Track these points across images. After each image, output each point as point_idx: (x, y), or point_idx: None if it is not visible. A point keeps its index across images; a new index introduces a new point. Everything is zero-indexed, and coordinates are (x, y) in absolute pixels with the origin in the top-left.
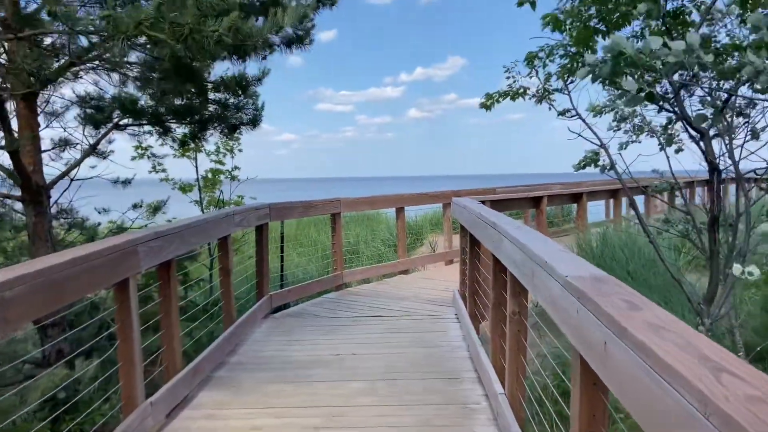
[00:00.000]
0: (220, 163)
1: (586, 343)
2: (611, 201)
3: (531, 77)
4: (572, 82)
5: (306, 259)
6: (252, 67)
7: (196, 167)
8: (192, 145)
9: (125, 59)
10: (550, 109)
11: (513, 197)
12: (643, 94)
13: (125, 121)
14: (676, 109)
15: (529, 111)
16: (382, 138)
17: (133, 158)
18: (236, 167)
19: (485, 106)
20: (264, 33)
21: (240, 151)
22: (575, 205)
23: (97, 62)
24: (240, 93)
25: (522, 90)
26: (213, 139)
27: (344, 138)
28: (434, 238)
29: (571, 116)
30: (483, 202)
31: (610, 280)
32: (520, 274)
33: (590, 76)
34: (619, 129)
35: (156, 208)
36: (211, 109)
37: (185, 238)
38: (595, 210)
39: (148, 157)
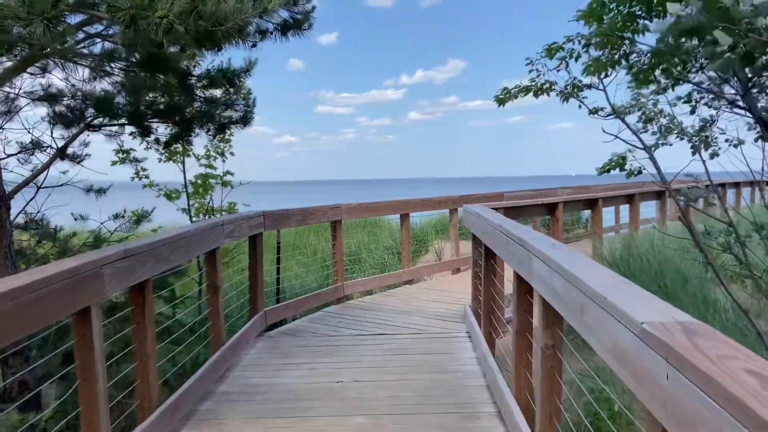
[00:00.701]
0: (211, 167)
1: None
2: (624, 206)
3: (558, 70)
4: (606, 76)
5: (305, 269)
6: (238, 58)
7: (184, 172)
8: (178, 148)
9: (81, 50)
10: (580, 107)
11: (527, 204)
12: (733, 56)
13: (100, 120)
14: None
15: (528, 114)
16: (383, 140)
17: (114, 163)
18: (228, 172)
19: (500, 101)
20: (241, 16)
21: (232, 154)
22: (586, 210)
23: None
24: (228, 87)
25: (548, 85)
26: (200, 140)
27: (345, 140)
28: (440, 245)
29: (606, 115)
30: (496, 209)
31: (706, 332)
32: (562, 305)
33: (628, 70)
34: (645, 131)
35: (140, 218)
36: (197, 106)
37: (162, 255)
38: (605, 216)
39: (131, 162)
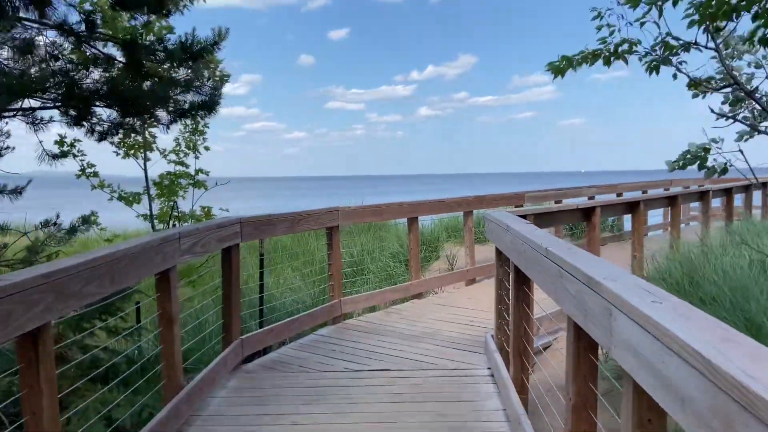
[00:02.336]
0: (182, 164)
1: None
2: (660, 210)
3: (643, 23)
4: (718, 30)
5: (301, 280)
6: (204, 28)
7: (145, 170)
8: (138, 139)
9: None
10: (675, 77)
11: (560, 209)
12: None
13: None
14: None
15: (539, 109)
16: (393, 136)
17: (55, 156)
18: (200, 170)
19: (557, 72)
20: None
21: (206, 149)
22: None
23: None
24: (191, 64)
25: (626, 46)
26: (172, 133)
27: (354, 136)
28: (452, 250)
29: (719, 87)
30: (524, 216)
31: None
32: (672, 399)
33: None
34: (733, 118)
35: (78, 225)
36: (147, 86)
37: (70, 289)
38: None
39: (74, 156)
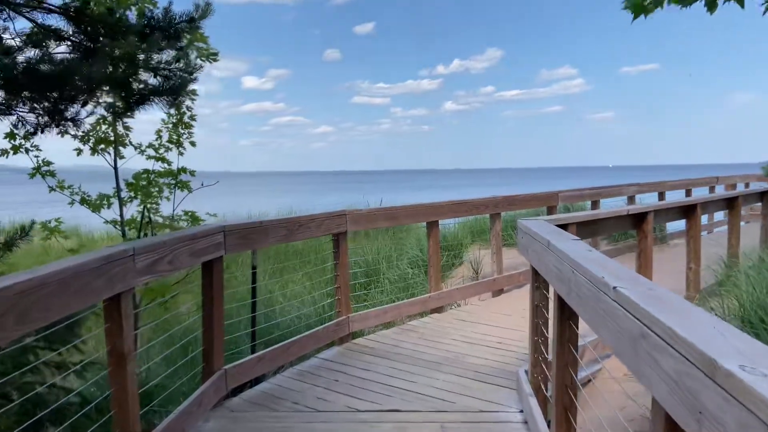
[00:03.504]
0: (163, 160)
1: None
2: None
3: None
4: None
5: (310, 288)
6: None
7: (115, 168)
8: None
9: None
10: None
11: (607, 217)
12: None
13: None
14: None
15: (567, 103)
16: (418, 131)
17: (3, 152)
18: (183, 169)
19: (638, 10)
20: None
21: (192, 144)
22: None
23: None
24: (161, 42)
25: None
26: (151, 125)
27: (380, 130)
28: (477, 253)
29: None
30: (564, 226)
31: None
32: None
33: None
34: None
35: (16, 237)
36: (94, 68)
37: None
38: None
39: (27, 151)
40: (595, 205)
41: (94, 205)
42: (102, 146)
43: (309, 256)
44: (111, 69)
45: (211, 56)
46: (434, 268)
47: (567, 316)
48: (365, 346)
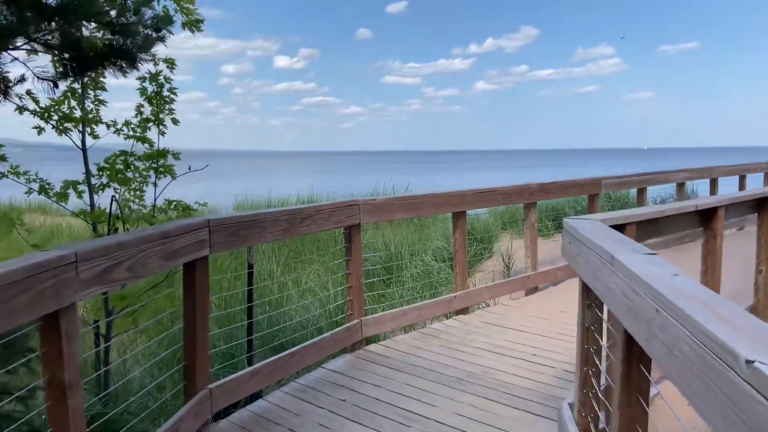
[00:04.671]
0: (144, 140)
1: None
2: None
3: None
4: None
5: (323, 282)
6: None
7: (83, 149)
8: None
9: None
10: None
11: (670, 214)
12: None
13: None
14: None
15: (602, 83)
16: (449, 111)
17: None
18: (164, 151)
19: None
20: None
21: (175, 122)
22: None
23: None
24: None
25: None
26: (126, 102)
27: (410, 111)
28: (508, 243)
29: None
30: (620, 227)
31: None
32: None
33: None
34: None
35: None
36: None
37: None
38: None
39: None
40: (641, 193)
41: (59, 194)
42: (72, 124)
43: (329, 246)
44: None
45: (194, 25)
46: (460, 264)
47: (637, 358)
48: (379, 354)
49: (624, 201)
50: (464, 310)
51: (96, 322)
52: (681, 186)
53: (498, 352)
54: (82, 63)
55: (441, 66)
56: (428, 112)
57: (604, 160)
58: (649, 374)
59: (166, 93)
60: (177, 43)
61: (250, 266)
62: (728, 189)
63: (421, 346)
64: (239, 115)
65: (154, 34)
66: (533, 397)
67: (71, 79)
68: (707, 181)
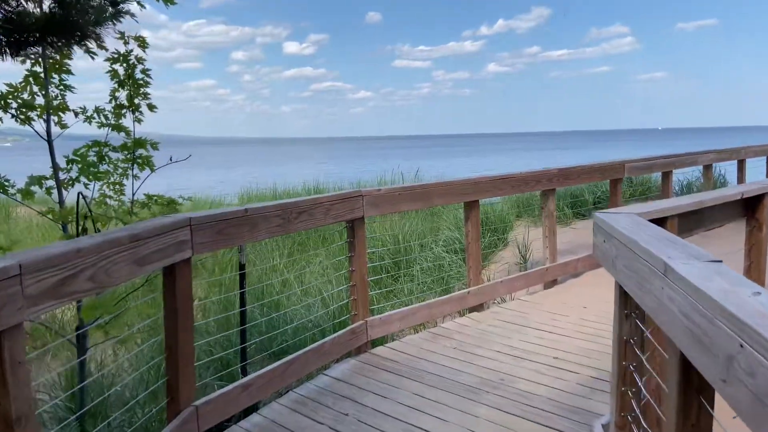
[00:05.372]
0: (119, 128)
1: None
2: None
3: None
4: None
5: (327, 279)
6: None
7: (49, 140)
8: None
9: None
10: None
11: (714, 204)
12: None
13: None
14: None
15: (615, 63)
16: (459, 94)
17: None
18: (140, 141)
19: None
20: None
21: (152, 109)
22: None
23: None
24: None
25: None
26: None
27: (420, 95)
28: (522, 232)
29: None
30: (660, 221)
31: None
32: None
33: None
34: None
35: None
36: None
37: None
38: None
39: None
40: (666, 178)
41: (23, 191)
42: (36, 113)
43: (335, 239)
44: None
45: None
46: (473, 257)
47: (697, 387)
48: (386, 358)
49: (646, 186)
50: (478, 307)
51: (78, 330)
52: (708, 168)
53: (516, 356)
54: (17, 38)
55: (451, 49)
56: (439, 95)
57: (618, 142)
58: (712, 408)
59: (139, 75)
60: (188, 31)
61: (242, 266)
62: (756, 172)
63: (431, 348)
64: (249, 102)
65: (110, 7)
66: (557, 410)
67: (5, 56)
68: (733, 163)
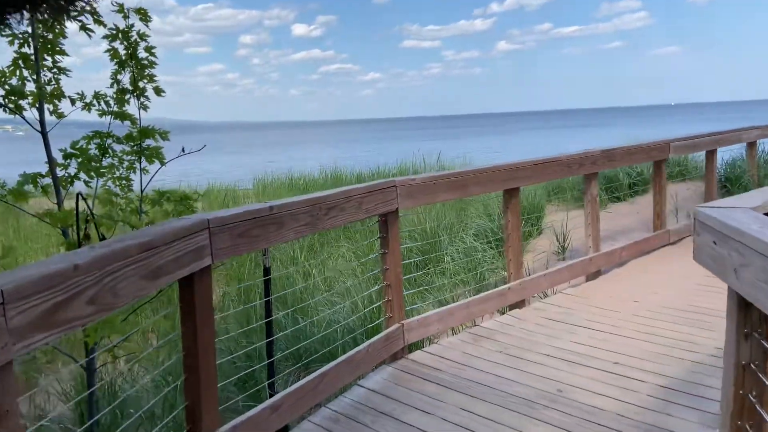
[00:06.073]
0: (121, 116)
1: None
2: None
3: None
4: None
5: (360, 277)
6: None
7: (43, 131)
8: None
9: None
10: None
11: None
12: None
13: None
14: None
15: (628, 38)
16: (470, 74)
17: None
18: (151, 129)
19: None
20: None
21: (160, 93)
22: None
23: None
24: None
25: None
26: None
27: (430, 75)
28: (556, 218)
29: None
30: None
31: None
32: None
33: None
34: None
35: None
36: None
37: None
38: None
39: None
40: (711, 156)
41: (14, 192)
42: (28, 101)
43: (367, 234)
44: None
45: None
46: (514, 249)
47: None
48: (426, 365)
49: (683, 165)
50: (519, 303)
51: (86, 355)
52: (752, 146)
53: (570, 360)
54: None
55: (461, 27)
56: (449, 75)
57: (633, 119)
58: None
59: (142, 54)
60: (196, 15)
61: (267, 271)
62: None
63: (474, 352)
64: (258, 86)
65: None
66: (629, 429)
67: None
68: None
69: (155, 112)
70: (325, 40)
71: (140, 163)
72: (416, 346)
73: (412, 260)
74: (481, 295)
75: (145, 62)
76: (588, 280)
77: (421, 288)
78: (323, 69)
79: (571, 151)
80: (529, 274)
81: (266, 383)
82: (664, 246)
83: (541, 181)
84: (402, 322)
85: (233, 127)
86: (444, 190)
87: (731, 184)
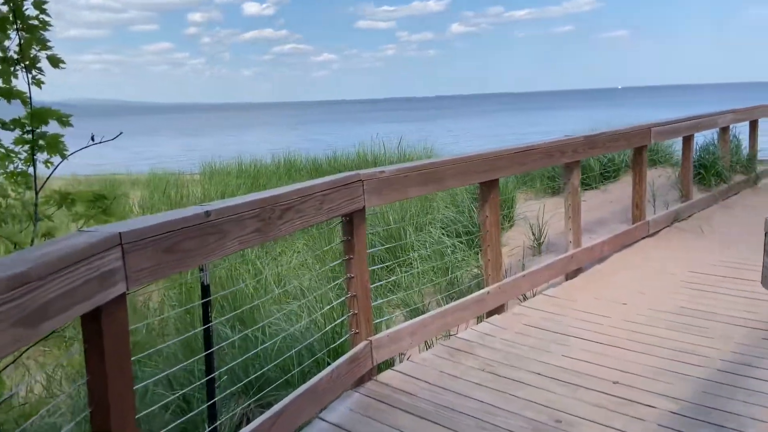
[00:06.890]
0: (8, 94)
1: None
2: None
3: None
4: None
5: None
6: None
7: None
8: None
9: None
10: None
11: None
12: None
13: None
14: None
15: (578, 22)
16: (425, 56)
17: None
18: (48, 110)
19: None
20: None
21: (55, 63)
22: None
23: None
24: None
25: None
26: None
27: (385, 57)
28: (527, 208)
29: None
30: None
31: None
32: None
33: None
34: None
35: None
36: None
37: None
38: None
39: None
40: (688, 143)
41: None
42: None
43: (328, 236)
44: None
45: None
46: (493, 249)
47: None
48: (397, 389)
49: (655, 150)
50: (499, 309)
51: None
52: (725, 131)
53: (565, 381)
54: None
55: (415, 8)
56: (404, 57)
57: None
58: None
59: (31, 12)
60: None
61: (206, 290)
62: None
63: (452, 371)
64: (209, 66)
65: None
66: None
67: None
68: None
69: (104, 93)
70: (278, 19)
71: (33, 155)
72: (386, 364)
73: (377, 266)
74: (458, 302)
75: (36, 22)
76: (568, 278)
77: (389, 297)
78: (276, 49)
79: (549, 138)
80: (506, 275)
81: (209, 426)
82: (644, 238)
83: (521, 171)
84: (370, 338)
85: (186, 108)
86: (417, 183)
87: (705, 170)
